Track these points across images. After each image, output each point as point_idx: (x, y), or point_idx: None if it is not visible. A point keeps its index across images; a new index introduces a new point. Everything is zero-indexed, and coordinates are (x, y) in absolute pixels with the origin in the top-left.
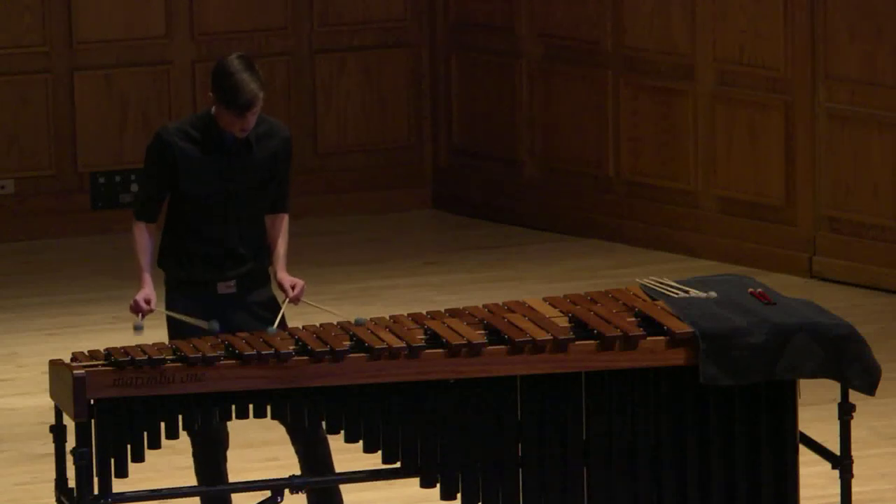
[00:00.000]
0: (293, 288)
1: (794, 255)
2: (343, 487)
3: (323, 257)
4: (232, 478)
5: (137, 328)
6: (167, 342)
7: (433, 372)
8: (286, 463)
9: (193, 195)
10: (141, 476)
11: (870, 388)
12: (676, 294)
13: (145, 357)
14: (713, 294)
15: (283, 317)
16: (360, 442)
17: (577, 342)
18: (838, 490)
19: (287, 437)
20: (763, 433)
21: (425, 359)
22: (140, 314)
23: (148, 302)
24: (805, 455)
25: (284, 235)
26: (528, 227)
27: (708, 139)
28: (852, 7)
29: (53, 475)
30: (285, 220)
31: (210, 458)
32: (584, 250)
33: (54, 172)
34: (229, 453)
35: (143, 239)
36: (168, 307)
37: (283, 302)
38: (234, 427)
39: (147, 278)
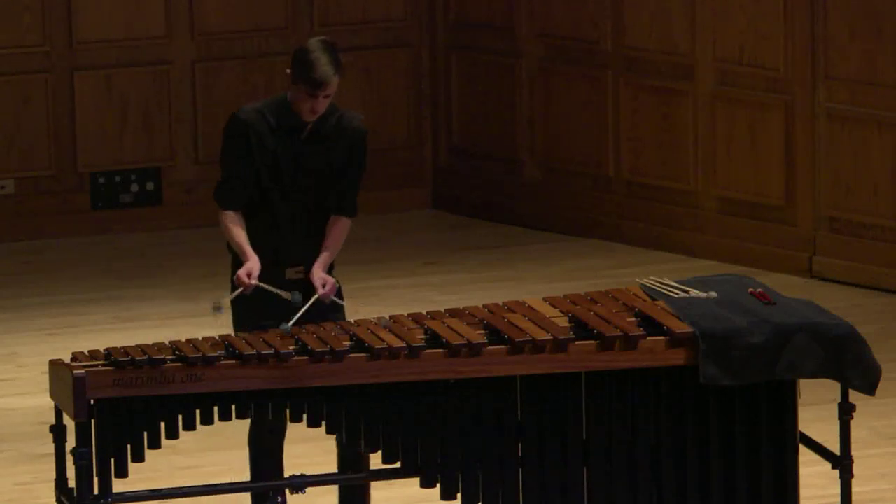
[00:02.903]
0: (323, 286)
1: (794, 255)
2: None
3: None
4: (232, 478)
5: (217, 309)
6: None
7: (433, 372)
8: (286, 463)
9: (265, 178)
10: (141, 476)
11: (870, 388)
12: (676, 294)
13: (145, 357)
14: (713, 294)
15: (306, 312)
16: (361, 442)
17: (577, 342)
18: (838, 490)
19: (287, 438)
20: (763, 433)
21: (425, 359)
22: (242, 288)
23: (249, 275)
24: (805, 455)
25: (338, 238)
26: (528, 227)
27: (708, 139)
28: (852, 7)
29: (53, 475)
30: (346, 225)
31: (268, 445)
32: (584, 250)
33: (54, 172)
34: (232, 453)
35: (234, 222)
36: (234, 290)
37: (311, 298)
38: (234, 427)
39: (251, 252)
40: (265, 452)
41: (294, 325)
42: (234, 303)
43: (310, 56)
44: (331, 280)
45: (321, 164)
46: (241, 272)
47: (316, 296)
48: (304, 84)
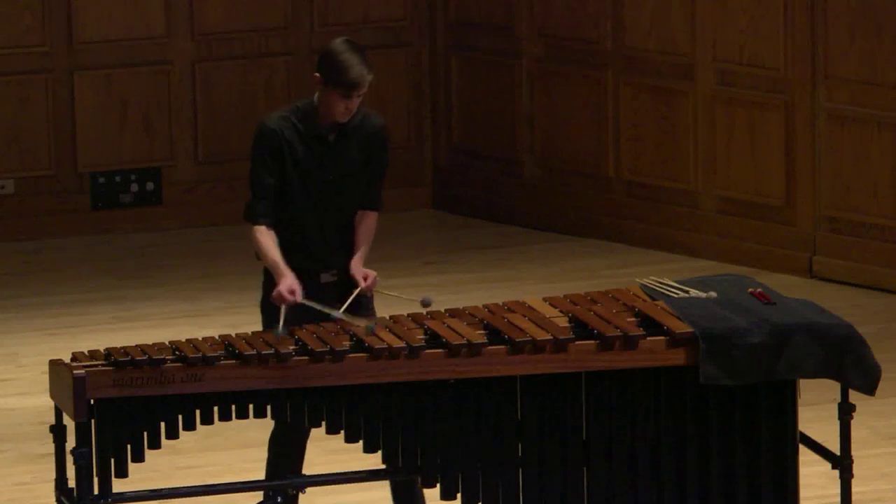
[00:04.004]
0: (365, 279)
1: (794, 255)
2: (343, 487)
3: None
4: (232, 478)
5: (278, 334)
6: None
7: (433, 372)
8: None
9: (294, 184)
10: (141, 476)
11: (870, 388)
12: (676, 294)
13: (145, 357)
14: (713, 294)
15: (366, 303)
16: (360, 442)
17: (577, 342)
18: (838, 490)
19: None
20: (763, 433)
21: (425, 359)
22: (284, 305)
23: (293, 292)
24: (805, 455)
25: (370, 232)
26: (528, 227)
27: (708, 139)
28: (852, 7)
29: (53, 475)
30: (374, 218)
31: (291, 442)
32: (584, 250)
33: (54, 172)
34: (232, 453)
35: (268, 237)
36: (265, 296)
37: (355, 291)
38: (235, 427)
39: (287, 270)
40: (286, 455)
41: (343, 315)
42: (266, 308)
43: (340, 58)
44: (372, 273)
45: (348, 164)
46: (283, 290)
47: (359, 288)
48: (338, 86)
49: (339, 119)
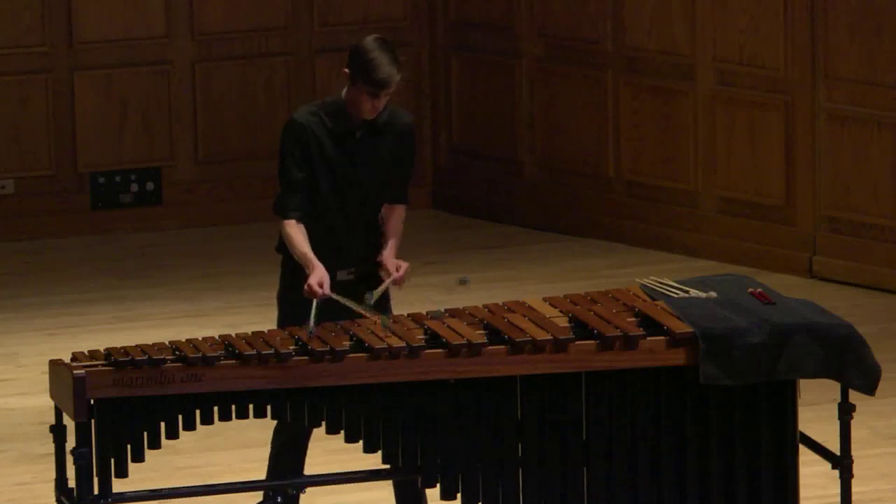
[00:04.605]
0: (398, 269)
1: (794, 255)
2: (343, 487)
3: None
4: (232, 478)
5: (310, 332)
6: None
7: (433, 372)
8: None
9: (321, 180)
10: (141, 476)
11: (870, 389)
12: (676, 294)
13: (145, 357)
14: (713, 294)
15: (384, 296)
16: (360, 442)
17: (577, 342)
18: (838, 490)
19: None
20: (763, 433)
21: (425, 359)
22: (316, 300)
23: (322, 285)
24: (805, 455)
25: (399, 225)
26: (528, 227)
27: (708, 139)
28: (852, 7)
29: (53, 475)
30: (402, 212)
31: (295, 438)
32: (584, 250)
33: (54, 172)
34: (232, 453)
35: (298, 231)
36: (283, 290)
37: (386, 281)
38: (235, 427)
39: (317, 263)
40: (288, 448)
41: (374, 305)
42: (283, 301)
43: (370, 56)
44: (404, 264)
45: (375, 160)
46: (313, 282)
47: (391, 279)
48: (366, 85)
49: (365, 116)
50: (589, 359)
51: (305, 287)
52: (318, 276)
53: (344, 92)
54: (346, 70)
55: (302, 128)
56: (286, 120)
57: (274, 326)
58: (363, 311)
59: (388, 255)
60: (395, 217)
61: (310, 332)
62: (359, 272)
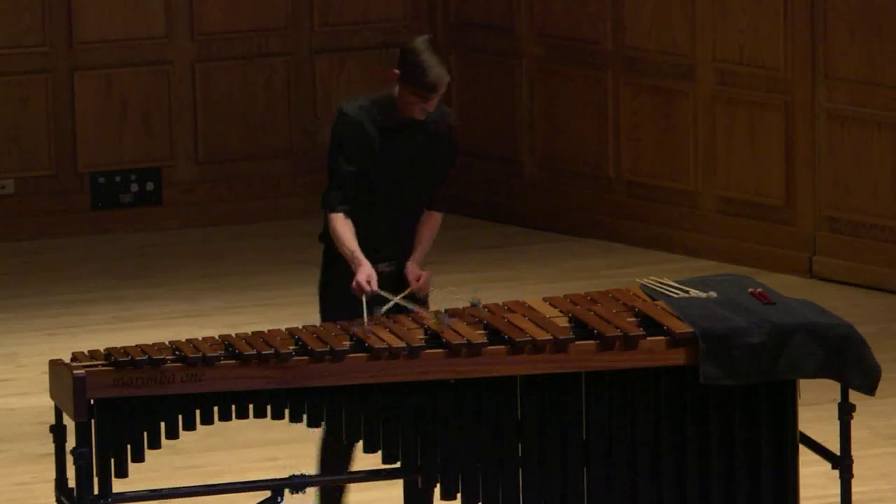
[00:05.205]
0: (417, 280)
1: (794, 255)
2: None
3: None
4: (232, 478)
5: (367, 328)
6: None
7: (433, 372)
8: (286, 463)
9: (367, 175)
10: (141, 476)
11: (870, 389)
12: (676, 294)
13: (145, 357)
14: (713, 294)
15: (399, 304)
16: (360, 442)
17: (577, 342)
18: (838, 490)
19: (287, 438)
20: (763, 433)
21: (425, 359)
22: (363, 295)
23: (370, 282)
24: (805, 455)
25: (432, 234)
26: (528, 227)
27: (708, 139)
28: (852, 7)
29: (53, 475)
30: (439, 220)
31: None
32: (584, 250)
33: (54, 172)
34: (232, 453)
35: (345, 226)
36: (324, 281)
37: (405, 291)
38: (235, 427)
39: (364, 259)
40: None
41: (384, 314)
42: (325, 293)
43: (420, 59)
44: (425, 274)
45: (420, 159)
46: (361, 279)
47: (409, 289)
48: (417, 87)
49: (416, 117)
50: (589, 359)
51: (353, 284)
52: (366, 273)
53: (395, 90)
54: (396, 71)
55: (353, 121)
56: (336, 112)
57: (273, 326)
58: (411, 306)
59: (412, 265)
60: (430, 225)
61: (364, 327)
62: (399, 265)
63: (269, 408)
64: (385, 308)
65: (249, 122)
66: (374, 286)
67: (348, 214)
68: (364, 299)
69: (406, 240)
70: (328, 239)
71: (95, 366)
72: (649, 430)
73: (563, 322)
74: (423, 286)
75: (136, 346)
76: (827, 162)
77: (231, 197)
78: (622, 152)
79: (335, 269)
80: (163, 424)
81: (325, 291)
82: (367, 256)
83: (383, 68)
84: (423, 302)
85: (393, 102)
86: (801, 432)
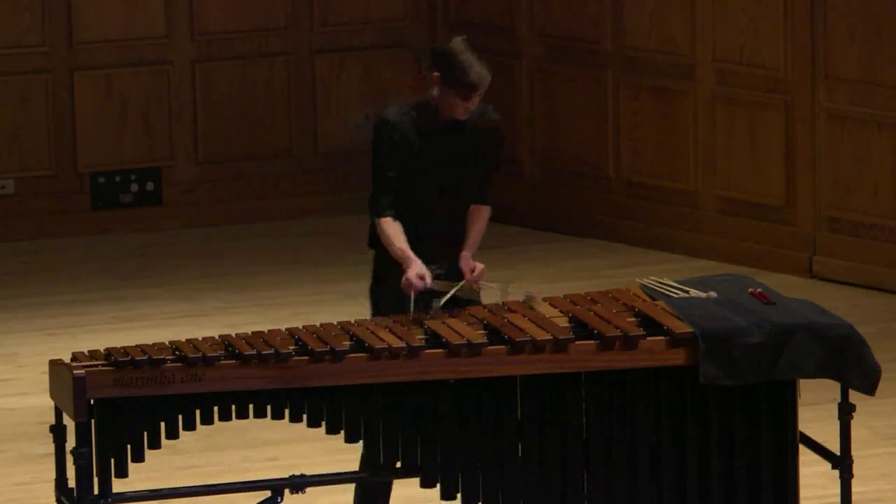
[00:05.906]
0: (472, 271)
1: (794, 255)
2: (343, 487)
3: (323, 257)
4: (232, 478)
5: (436, 317)
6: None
7: (433, 372)
8: (286, 463)
9: (410, 179)
10: (141, 476)
11: (870, 389)
12: (676, 294)
13: (145, 357)
14: (713, 294)
15: (453, 297)
16: (360, 442)
17: (577, 342)
18: (838, 490)
19: (287, 438)
20: (763, 433)
21: (425, 359)
22: (414, 291)
23: (422, 278)
24: (805, 455)
25: (482, 226)
26: (528, 227)
27: (708, 139)
28: (852, 7)
29: (53, 475)
30: (487, 212)
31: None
32: (584, 250)
33: (54, 172)
34: (232, 453)
35: (394, 227)
36: (374, 286)
37: (454, 288)
38: (234, 427)
39: (415, 257)
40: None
41: (443, 306)
42: (376, 293)
43: (460, 59)
44: (480, 266)
45: (461, 160)
46: (412, 277)
47: (464, 280)
48: (459, 87)
49: (458, 117)
50: (589, 359)
51: (403, 280)
52: (418, 269)
53: (435, 92)
54: (436, 73)
55: (394, 127)
56: (377, 120)
57: (273, 326)
58: (467, 297)
59: (465, 257)
60: (479, 218)
61: (436, 312)
62: (444, 269)
63: (269, 408)
64: (443, 300)
65: (249, 122)
66: (428, 280)
67: (396, 217)
68: (412, 296)
69: (454, 243)
70: (377, 244)
71: (95, 366)
72: (649, 430)
73: (563, 322)
74: (477, 278)
75: (136, 346)
76: (827, 162)
77: (231, 197)
78: (622, 152)
79: (386, 273)
80: (163, 424)
81: (376, 297)
82: (418, 258)
83: (423, 72)
84: (476, 295)
85: (433, 105)
86: (801, 432)
